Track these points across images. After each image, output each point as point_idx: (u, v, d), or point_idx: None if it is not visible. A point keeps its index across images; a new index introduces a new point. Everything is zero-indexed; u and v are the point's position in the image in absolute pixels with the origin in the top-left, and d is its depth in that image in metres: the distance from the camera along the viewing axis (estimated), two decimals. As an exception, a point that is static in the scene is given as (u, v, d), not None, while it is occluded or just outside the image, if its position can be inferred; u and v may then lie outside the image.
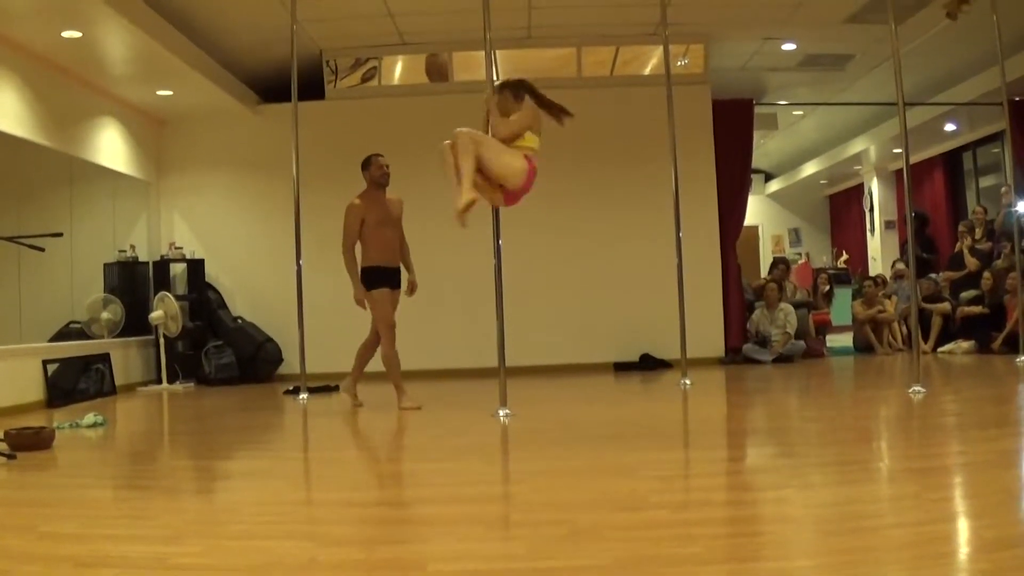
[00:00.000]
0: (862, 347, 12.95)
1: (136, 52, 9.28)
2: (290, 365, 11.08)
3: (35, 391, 8.83)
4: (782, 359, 11.86)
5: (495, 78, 7.77)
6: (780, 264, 13.79)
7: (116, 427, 7.53)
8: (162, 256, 11.70)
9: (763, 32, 11.35)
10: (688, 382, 8.96)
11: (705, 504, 3.98)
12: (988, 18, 9.61)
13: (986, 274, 12.20)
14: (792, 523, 3.52)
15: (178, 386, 10.83)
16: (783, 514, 3.70)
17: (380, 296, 7.91)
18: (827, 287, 13.96)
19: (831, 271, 15.79)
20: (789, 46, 11.81)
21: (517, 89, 7.13)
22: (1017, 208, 11.17)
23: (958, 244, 13.50)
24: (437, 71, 12.07)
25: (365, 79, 12.00)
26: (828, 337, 13.34)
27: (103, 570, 3.06)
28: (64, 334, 10.26)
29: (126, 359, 10.72)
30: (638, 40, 11.67)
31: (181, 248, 11.73)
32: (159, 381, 10.86)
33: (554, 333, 11.64)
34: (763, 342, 12.06)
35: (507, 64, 11.85)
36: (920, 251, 13.40)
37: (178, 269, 11.81)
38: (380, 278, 7.91)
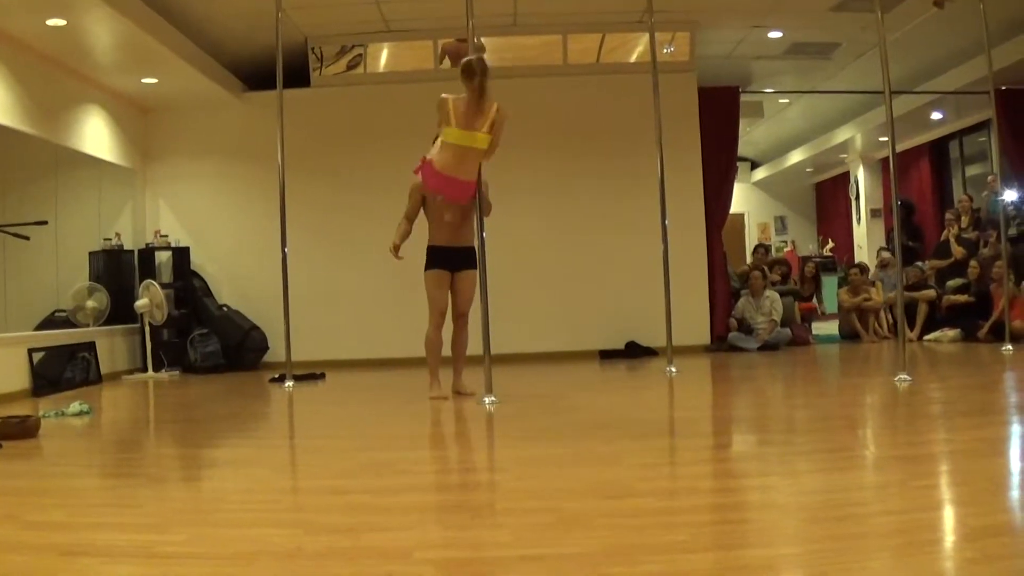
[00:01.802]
0: (848, 335, 12.97)
1: (121, 40, 9.24)
2: (276, 353, 11.07)
3: (20, 380, 8.80)
4: (767, 347, 11.88)
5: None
6: (759, 249, 13.83)
7: (102, 415, 7.51)
8: (147, 244, 11.66)
9: (749, 20, 11.34)
10: (674, 370, 8.97)
11: (691, 492, 3.98)
12: (975, 7, 9.64)
13: (973, 263, 12.22)
14: (778, 511, 3.52)
15: (163, 374, 10.81)
16: (769, 502, 3.71)
17: (431, 277, 7.55)
18: (813, 273, 13.93)
19: (817, 259, 15.82)
20: (775, 34, 11.81)
21: None
22: (1003, 197, 11.20)
23: (945, 232, 13.53)
24: (457, 58, 12.05)
25: (351, 66, 11.97)
26: (813, 325, 13.38)
27: (89, 559, 3.06)
28: (49, 322, 10.23)
29: (111, 347, 10.70)
30: (624, 28, 11.65)
31: (166, 236, 11.70)
32: (144, 369, 10.84)
33: (539, 321, 11.65)
34: (748, 330, 12.08)
35: (493, 53, 11.84)
36: (906, 239, 13.43)
37: (163, 257, 11.78)
38: (436, 259, 7.55)
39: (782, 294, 12.50)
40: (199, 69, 10.49)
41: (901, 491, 3.70)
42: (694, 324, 11.73)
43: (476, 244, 7.37)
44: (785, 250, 19.67)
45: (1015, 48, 11.35)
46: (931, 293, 12.52)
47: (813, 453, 4.69)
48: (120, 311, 10.70)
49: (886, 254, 13.75)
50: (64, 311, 10.31)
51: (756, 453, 5.10)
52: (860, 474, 4.16)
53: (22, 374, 8.85)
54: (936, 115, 14.86)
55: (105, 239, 11.18)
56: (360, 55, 11.92)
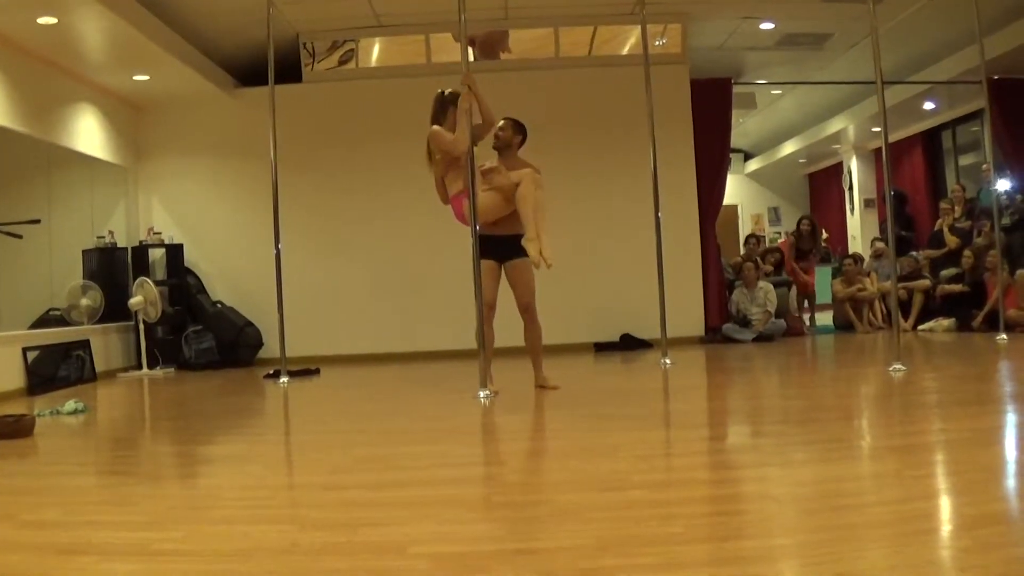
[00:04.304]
0: (842, 325, 12.99)
1: (112, 38, 9.22)
2: (270, 349, 11.07)
3: (15, 378, 8.79)
4: (762, 338, 11.89)
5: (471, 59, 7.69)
6: (751, 239, 13.83)
7: (97, 414, 7.50)
8: (141, 242, 11.64)
9: (741, 11, 11.34)
10: (669, 362, 8.98)
11: (686, 483, 3.99)
12: (967, -4, 9.65)
13: (967, 252, 12.23)
14: (773, 501, 3.52)
15: (158, 371, 10.80)
16: (764, 492, 3.71)
17: (483, 268, 7.25)
18: (809, 228, 13.89)
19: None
20: (767, 25, 11.80)
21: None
22: (996, 186, 11.21)
23: (939, 222, 13.54)
24: (488, 47, 12.01)
25: (342, 62, 11.96)
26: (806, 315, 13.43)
27: (85, 557, 3.06)
28: (44, 321, 10.22)
29: (106, 345, 10.68)
30: (616, 20, 11.64)
31: (160, 233, 11.68)
32: (139, 367, 10.83)
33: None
34: (744, 321, 12.08)
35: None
36: (899, 230, 13.45)
37: (157, 254, 11.76)
38: (486, 248, 7.26)
39: (776, 284, 12.51)
40: (191, 66, 10.46)
41: (896, 481, 3.71)
42: (688, 316, 11.74)
43: (472, 238, 7.30)
44: (779, 241, 19.70)
45: (1007, 37, 11.35)
46: (925, 283, 12.53)
47: (808, 444, 4.69)
48: (114, 309, 10.69)
49: (880, 244, 13.76)
50: (58, 309, 10.30)
51: (751, 444, 5.10)
52: (855, 464, 4.17)
53: (17, 373, 8.84)
54: (929, 105, 14.86)
55: (98, 237, 11.16)
56: (352, 50, 11.91)
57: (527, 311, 7.46)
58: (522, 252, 7.28)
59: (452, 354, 10.91)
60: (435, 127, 7.22)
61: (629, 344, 11.65)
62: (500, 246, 7.32)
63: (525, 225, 7.07)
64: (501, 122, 7.55)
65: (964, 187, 13.69)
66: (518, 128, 7.59)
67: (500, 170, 7.26)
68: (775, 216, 22.03)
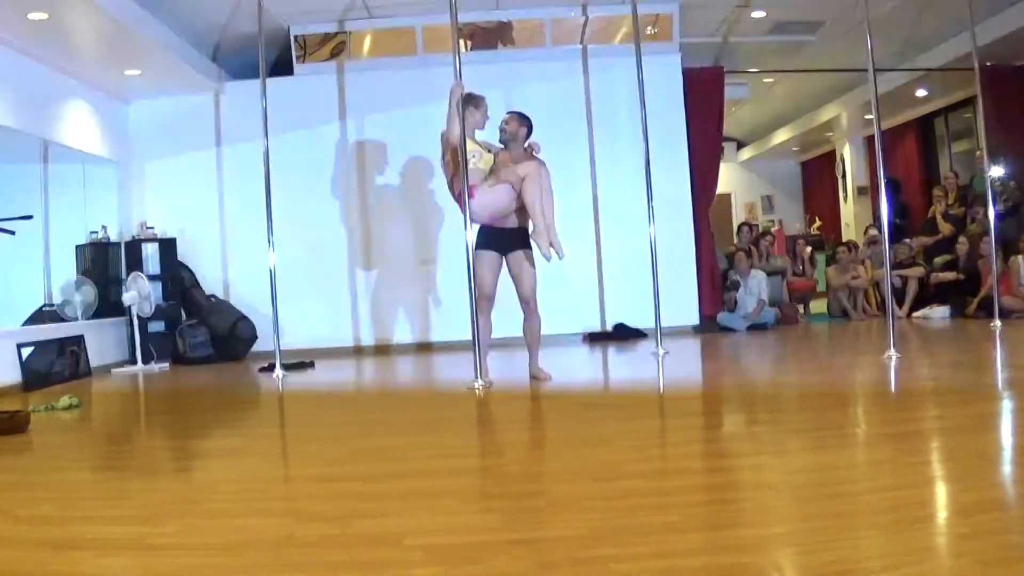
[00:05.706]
0: (837, 313, 13.00)
1: (103, 32, 9.19)
2: (265, 342, 11.04)
3: (10, 375, 8.75)
4: (756, 326, 11.89)
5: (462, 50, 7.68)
6: (744, 228, 13.84)
7: (91, 409, 7.49)
8: (133, 236, 11.60)
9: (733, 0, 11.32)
10: (663, 351, 8.97)
11: (681, 472, 3.98)
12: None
13: (961, 239, 12.23)
14: (768, 490, 3.53)
15: (153, 366, 10.76)
16: (759, 481, 3.71)
17: (476, 258, 7.25)
18: (808, 249, 13.96)
19: (811, 239, 15.85)
20: (759, 13, 11.77)
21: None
22: (989, 173, 11.21)
23: (932, 209, 13.55)
24: (487, 38, 11.99)
25: (334, 54, 11.92)
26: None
27: (80, 552, 3.06)
28: (38, 317, 10.19)
29: (100, 340, 10.64)
30: (608, 9, 11.61)
31: (152, 228, 11.63)
32: (134, 362, 10.78)
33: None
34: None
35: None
36: (893, 217, 13.45)
37: (150, 249, 11.69)
38: (483, 239, 7.29)
39: (770, 272, 12.51)
40: (182, 59, 10.43)
41: (892, 468, 3.71)
42: (682, 305, 11.70)
43: (465, 229, 7.28)
44: (773, 229, 19.73)
45: (999, 24, 11.36)
46: (920, 270, 12.53)
47: (803, 432, 4.70)
48: (108, 304, 10.66)
49: (874, 232, 13.75)
50: (52, 305, 10.27)
51: (746, 432, 5.11)
52: (851, 452, 4.18)
53: (11, 369, 8.81)
54: (921, 92, 14.87)
55: (91, 232, 11.13)
56: (343, 42, 11.87)
57: (528, 303, 7.45)
58: (524, 244, 7.31)
59: (448, 346, 10.90)
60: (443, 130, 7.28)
61: (623, 334, 11.62)
62: (502, 238, 7.31)
63: (533, 218, 7.09)
64: (506, 115, 7.55)
65: (957, 174, 13.71)
66: (523, 120, 7.56)
67: (507, 164, 7.26)
68: (768, 204, 22.03)
